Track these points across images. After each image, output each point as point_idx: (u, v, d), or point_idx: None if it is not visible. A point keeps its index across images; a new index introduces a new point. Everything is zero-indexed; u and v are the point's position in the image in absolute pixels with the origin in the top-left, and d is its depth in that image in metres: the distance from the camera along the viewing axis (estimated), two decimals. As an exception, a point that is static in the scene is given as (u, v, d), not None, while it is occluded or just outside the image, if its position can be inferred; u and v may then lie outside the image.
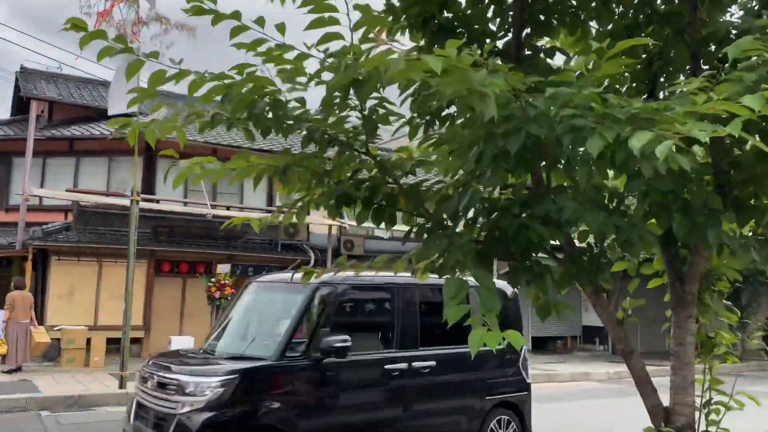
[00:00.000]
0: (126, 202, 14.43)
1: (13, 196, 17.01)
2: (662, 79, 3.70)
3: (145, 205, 14.99)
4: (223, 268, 15.93)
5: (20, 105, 18.11)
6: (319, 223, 17.21)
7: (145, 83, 2.79)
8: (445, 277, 2.53)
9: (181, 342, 15.72)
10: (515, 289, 5.83)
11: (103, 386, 10.66)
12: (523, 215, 3.12)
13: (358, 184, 3.02)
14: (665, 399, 3.40)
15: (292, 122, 2.63)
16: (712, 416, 3.57)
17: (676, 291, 3.43)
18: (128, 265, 10.40)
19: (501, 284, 6.27)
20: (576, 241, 3.50)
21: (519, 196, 3.28)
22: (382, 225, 3.26)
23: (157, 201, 15.98)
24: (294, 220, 3.22)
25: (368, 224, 3.43)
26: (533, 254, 3.15)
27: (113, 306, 14.64)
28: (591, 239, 3.59)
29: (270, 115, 2.63)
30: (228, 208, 16.92)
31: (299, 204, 3.21)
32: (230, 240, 16.71)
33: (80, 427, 7.95)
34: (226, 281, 15.83)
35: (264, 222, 3.39)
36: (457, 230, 2.84)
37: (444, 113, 3.14)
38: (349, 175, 3.02)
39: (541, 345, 20.94)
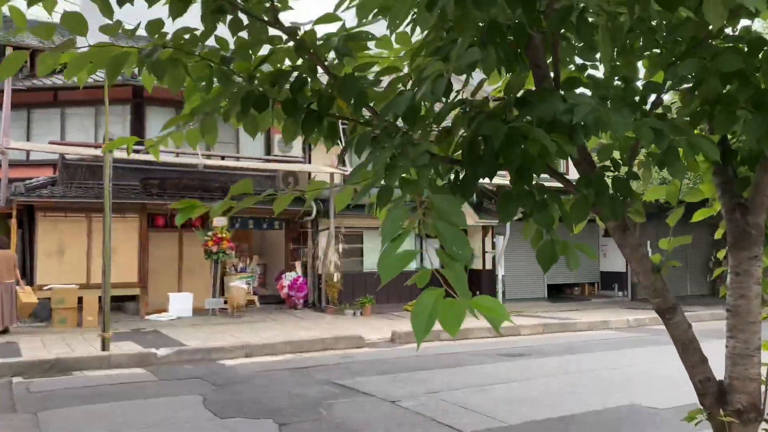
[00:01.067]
0: (115, 154, 13.59)
1: (-2, 152, 16.21)
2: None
3: (133, 156, 14.16)
4: (219, 222, 15.13)
5: (2, 55, 17.13)
6: (320, 171, 16.27)
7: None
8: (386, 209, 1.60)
9: (180, 299, 15.14)
10: None
11: (89, 348, 10.03)
12: (524, 121, 2.18)
13: (275, 78, 2.06)
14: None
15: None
16: (784, 393, 2.64)
17: (736, 224, 2.47)
18: (105, 220, 9.61)
19: None
20: (595, 159, 2.54)
21: (514, 95, 2.31)
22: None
23: (147, 152, 15.08)
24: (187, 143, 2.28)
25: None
26: (533, 175, 2.20)
27: (106, 263, 14.00)
28: (616, 155, 2.63)
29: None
30: (223, 158, 16.02)
31: (200, 117, 2.27)
32: (226, 192, 15.82)
33: (47, 396, 7.28)
34: (224, 235, 15.09)
35: (155, 150, 2.45)
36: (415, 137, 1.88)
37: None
38: (257, 64, 2.06)
39: (557, 292, 20.14)
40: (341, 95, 1.90)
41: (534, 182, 2.23)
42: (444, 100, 2.27)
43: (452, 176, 2.26)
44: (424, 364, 9.51)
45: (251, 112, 2.19)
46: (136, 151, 14.97)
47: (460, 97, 2.42)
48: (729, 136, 2.67)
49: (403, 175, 1.69)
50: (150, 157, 14.55)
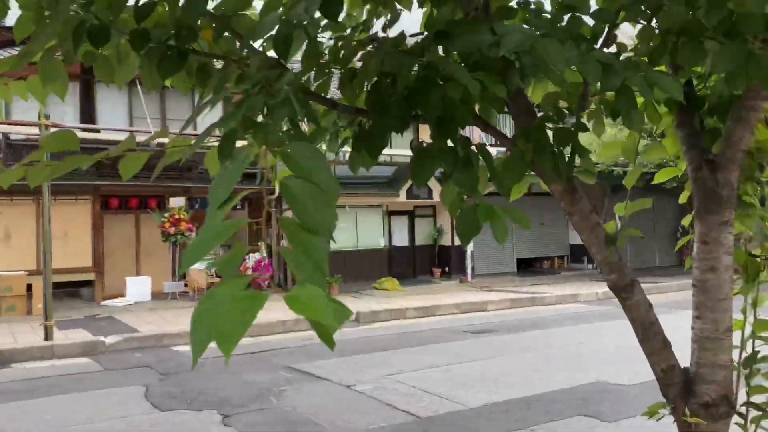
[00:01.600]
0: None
1: (-62, 133, 15.29)
2: None
3: (84, 135, 13.44)
4: (176, 202, 14.53)
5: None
6: (282, 147, 15.68)
7: None
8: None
9: (138, 283, 14.54)
10: None
11: (35, 338, 9.46)
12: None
13: (112, 2, 1.58)
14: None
15: None
16: (758, 380, 2.28)
17: (703, 183, 2.08)
18: (43, 201, 8.98)
19: None
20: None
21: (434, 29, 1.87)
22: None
23: (98, 131, 14.35)
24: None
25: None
26: (457, 127, 1.77)
27: (57, 248, 13.30)
28: (562, 104, 2.21)
29: None
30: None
31: (37, 58, 1.78)
32: (184, 171, 15.19)
33: (-23, 392, 6.75)
34: (181, 216, 14.47)
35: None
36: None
37: None
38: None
39: (526, 266, 19.95)
40: (187, 15, 1.44)
41: (458, 136, 1.81)
42: (346, 34, 1.83)
43: (357, 130, 1.83)
44: (387, 344, 9.16)
45: (98, 52, 1.72)
46: (89, 130, 14.23)
47: (370, 33, 1.98)
48: (695, 83, 2.27)
49: (258, 120, 1.25)
50: (101, 136, 13.82)
